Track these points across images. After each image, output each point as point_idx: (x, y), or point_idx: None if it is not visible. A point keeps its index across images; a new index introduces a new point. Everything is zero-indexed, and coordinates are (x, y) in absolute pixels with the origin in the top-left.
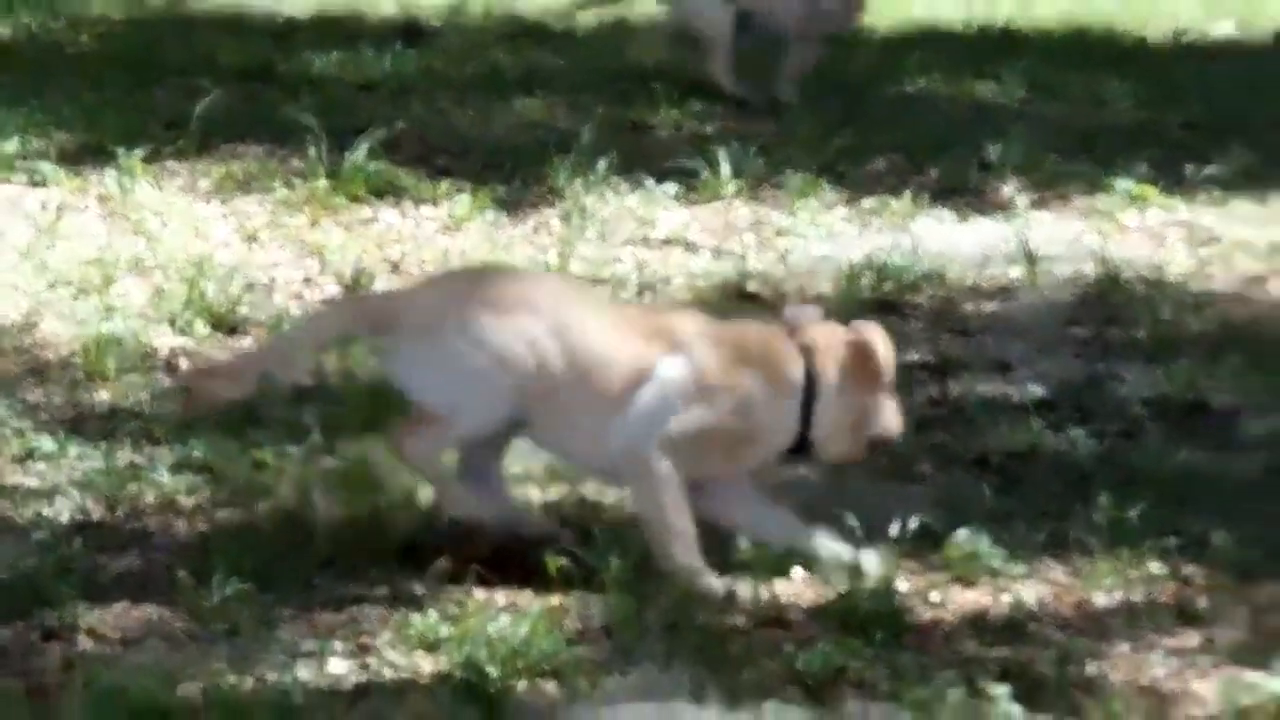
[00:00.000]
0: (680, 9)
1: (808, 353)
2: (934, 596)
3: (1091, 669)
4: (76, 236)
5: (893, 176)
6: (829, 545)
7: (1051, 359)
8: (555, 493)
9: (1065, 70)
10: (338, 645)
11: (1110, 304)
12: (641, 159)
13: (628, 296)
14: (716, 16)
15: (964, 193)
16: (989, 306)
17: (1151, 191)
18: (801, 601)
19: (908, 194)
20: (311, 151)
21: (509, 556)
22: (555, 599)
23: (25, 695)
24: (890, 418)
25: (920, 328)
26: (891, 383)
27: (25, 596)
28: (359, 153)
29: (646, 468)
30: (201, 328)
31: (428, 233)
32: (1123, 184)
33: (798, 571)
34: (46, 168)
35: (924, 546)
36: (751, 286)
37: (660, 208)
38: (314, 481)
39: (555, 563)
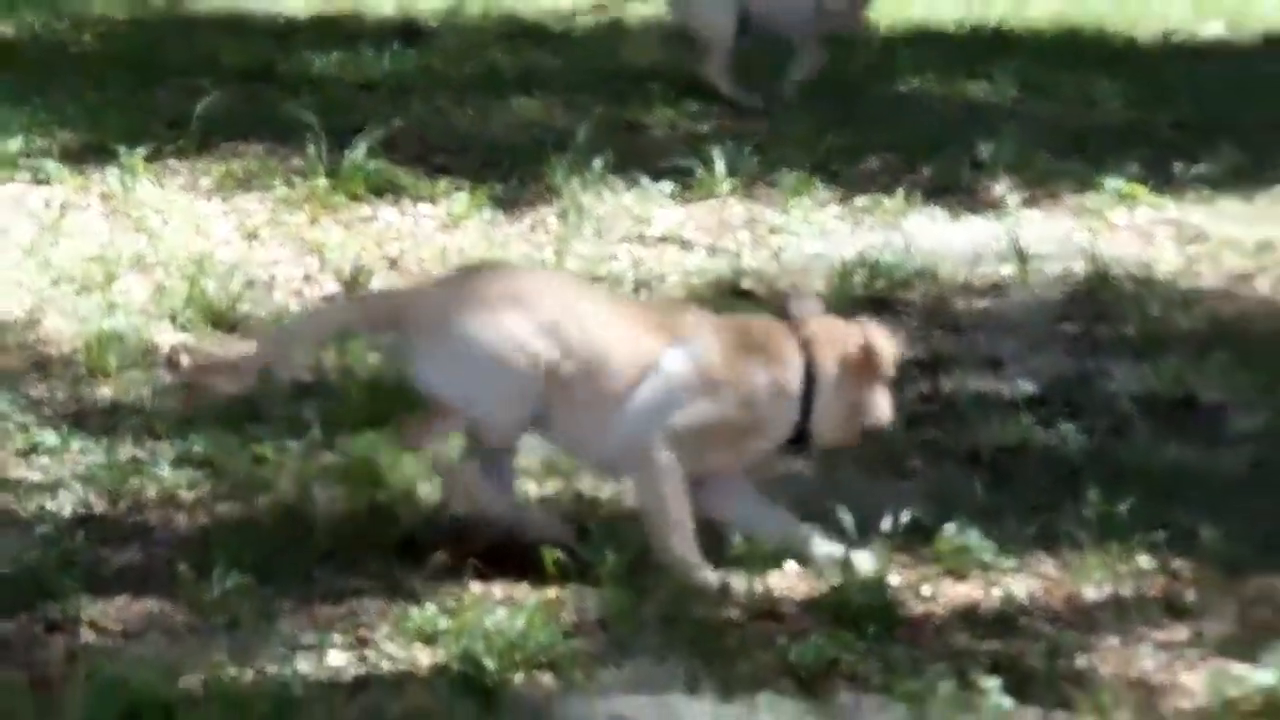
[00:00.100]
0: (683, 9)
1: (807, 346)
2: (925, 590)
3: (1081, 662)
4: (79, 234)
5: (885, 175)
6: (822, 544)
7: (1042, 355)
8: (551, 487)
9: (1057, 70)
10: (337, 638)
11: (1100, 301)
12: (637, 158)
13: (624, 293)
14: (719, 18)
15: (956, 191)
16: (980, 303)
17: (1141, 190)
18: (795, 595)
19: (900, 192)
20: (311, 150)
21: (506, 550)
22: (552, 592)
23: (29, 686)
24: (884, 408)
25: (912, 325)
26: (890, 378)
27: (28, 589)
28: (358, 151)
29: (650, 460)
30: (202, 324)
31: (426, 230)
32: (1113, 183)
33: (791, 565)
34: (50, 166)
35: (915, 540)
36: (746, 284)
37: (656, 206)
38: (313, 476)
39: (552, 556)
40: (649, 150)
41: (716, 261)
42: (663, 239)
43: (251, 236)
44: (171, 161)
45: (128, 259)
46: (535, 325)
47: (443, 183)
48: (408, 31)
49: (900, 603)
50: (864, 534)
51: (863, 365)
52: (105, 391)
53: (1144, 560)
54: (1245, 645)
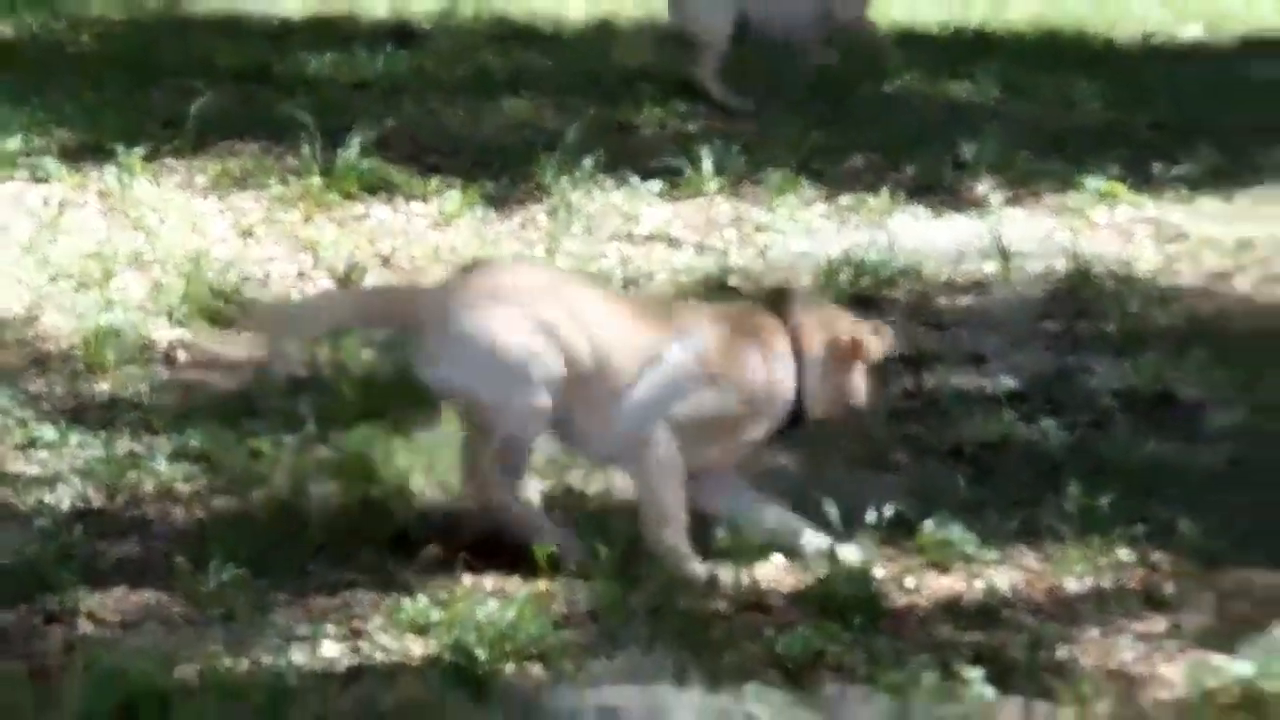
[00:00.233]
0: (681, 12)
1: (794, 332)
2: (909, 582)
3: (1062, 653)
4: (77, 232)
5: (870, 174)
6: (811, 537)
7: (1024, 352)
8: (544, 482)
9: (1037, 72)
10: (330, 629)
11: (1081, 299)
12: (626, 157)
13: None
14: (716, 20)
15: (939, 190)
16: (963, 301)
17: (1121, 189)
18: (781, 587)
19: (885, 191)
20: (306, 149)
21: (497, 544)
22: (542, 584)
23: (28, 676)
24: (863, 390)
25: (896, 321)
26: (871, 364)
27: (28, 581)
28: (352, 151)
29: (652, 450)
30: (198, 320)
31: (418, 228)
32: (1093, 182)
33: (778, 558)
34: (48, 164)
35: (899, 534)
36: (732, 281)
37: (644, 204)
38: (308, 471)
39: (543, 550)
40: (638, 150)
41: (704, 259)
42: (651, 237)
43: (247, 234)
44: (168, 160)
45: (125, 256)
46: (553, 321)
47: (435, 181)
48: (401, 33)
49: (884, 595)
50: (849, 527)
51: (846, 349)
52: (103, 387)
53: (1124, 553)
54: (1223, 637)
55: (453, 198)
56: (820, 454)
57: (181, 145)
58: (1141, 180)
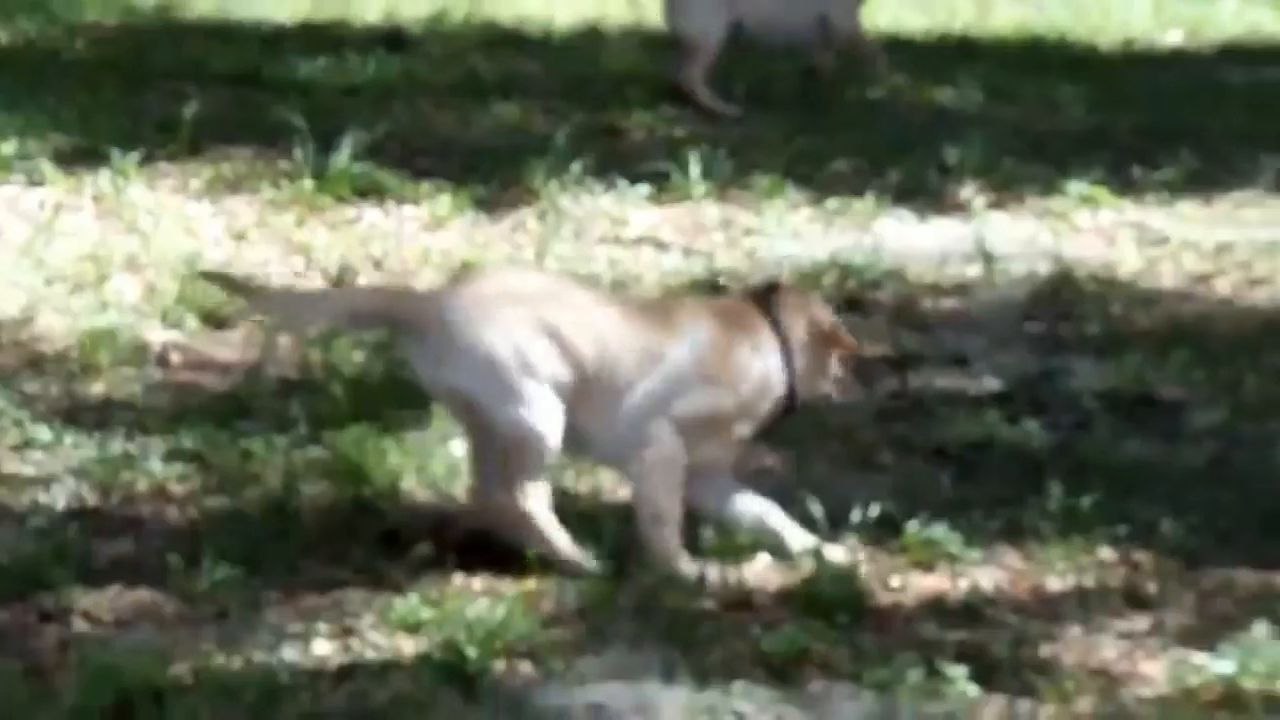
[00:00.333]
0: (676, 17)
1: (777, 317)
2: (894, 581)
3: (1045, 651)
4: (72, 234)
5: (856, 178)
6: (798, 536)
7: (1007, 353)
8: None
9: (1021, 77)
10: (322, 627)
11: (1063, 301)
12: (615, 161)
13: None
14: (710, 26)
15: (924, 194)
16: (947, 303)
17: (1103, 193)
18: (768, 586)
19: (870, 195)
20: (298, 153)
21: (487, 543)
22: (531, 583)
23: (23, 674)
24: (839, 371)
25: (881, 323)
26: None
27: (23, 580)
28: (344, 155)
29: (655, 448)
30: (192, 322)
31: (410, 231)
32: (1075, 186)
33: (764, 557)
34: (43, 168)
35: (884, 533)
36: (720, 284)
37: (633, 208)
38: (300, 471)
39: (532, 549)
40: (626, 154)
41: (691, 263)
42: (639, 240)
43: (240, 237)
44: (162, 164)
45: (119, 259)
46: (556, 325)
47: (426, 185)
48: (392, 38)
49: (869, 594)
50: (834, 526)
51: (827, 331)
52: (98, 388)
53: (1106, 552)
54: (1204, 635)
55: (443, 201)
56: (806, 454)
57: (175, 149)
58: (1123, 184)
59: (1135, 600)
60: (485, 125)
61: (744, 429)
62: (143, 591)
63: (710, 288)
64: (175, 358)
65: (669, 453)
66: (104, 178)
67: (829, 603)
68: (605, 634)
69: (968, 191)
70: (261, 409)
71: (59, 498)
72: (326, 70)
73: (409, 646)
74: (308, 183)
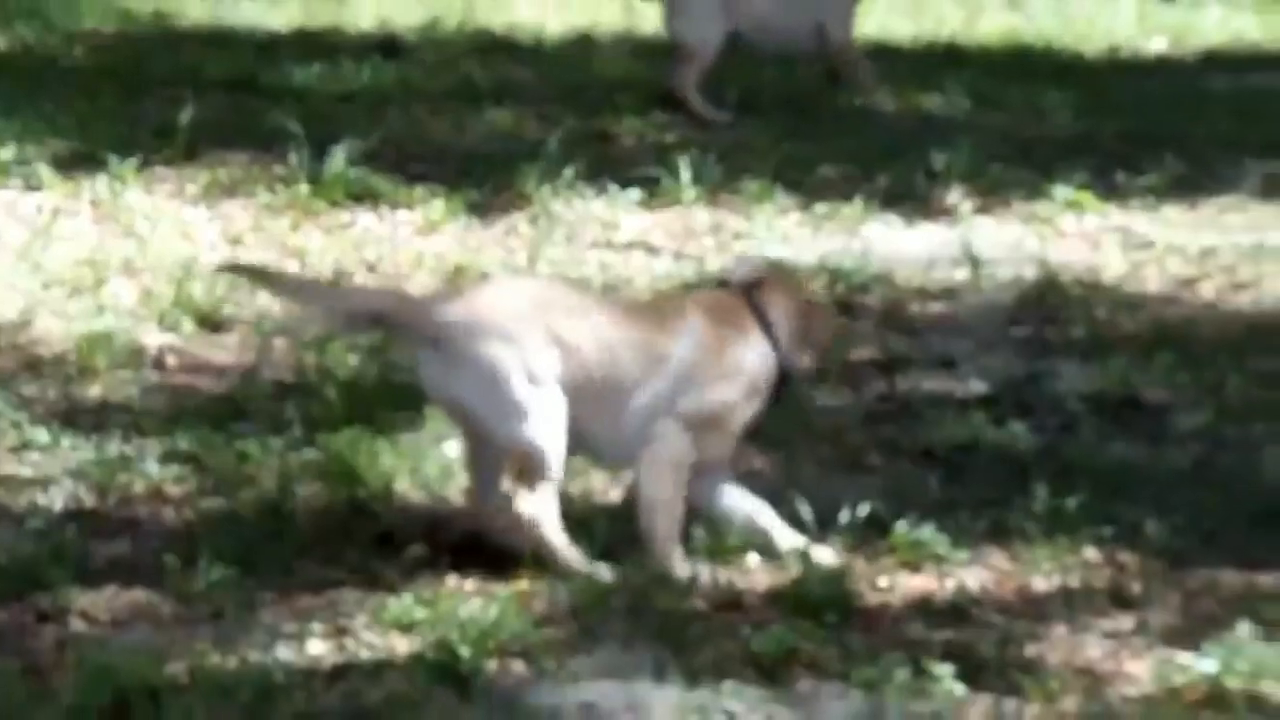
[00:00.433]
0: (675, 23)
1: (757, 301)
2: (882, 581)
3: (1030, 650)
4: (70, 239)
5: (844, 183)
6: (788, 536)
7: (993, 356)
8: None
9: (1007, 83)
10: (317, 627)
11: (1049, 305)
12: (606, 167)
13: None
14: (708, 33)
15: (911, 199)
16: (935, 307)
17: (1088, 198)
18: (757, 586)
19: (858, 200)
20: (293, 159)
21: (480, 544)
22: (524, 583)
23: (21, 674)
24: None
25: (869, 327)
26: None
27: (21, 580)
28: (338, 160)
29: (663, 446)
30: (188, 326)
31: (403, 236)
32: (1061, 191)
33: (754, 558)
34: (41, 173)
35: (872, 534)
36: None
37: (624, 213)
38: (295, 473)
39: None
40: (618, 159)
41: (682, 266)
42: (630, 245)
43: (236, 241)
44: (159, 169)
45: (116, 263)
46: (561, 334)
47: (419, 190)
48: (386, 45)
49: (858, 594)
50: (823, 527)
51: (811, 309)
52: (95, 390)
53: (1091, 553)
54: (1189, 635)
55: (437, 206)
56: (795, 456)
57: (172, 155)
58: (1108, 189)
59: (1120, 600)
60: (478, 131)
61: (742, 420)
62: (139, 592)
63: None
64: (171, 361)
65: (676, 450)
66: (101, 183)
67: (818, 603)
68: (597, 634)
69: (954, 196)
70: (257, 411)
71: (56, 499)
72: (321, 77)
73: (403, 646)
74: (303, 188)
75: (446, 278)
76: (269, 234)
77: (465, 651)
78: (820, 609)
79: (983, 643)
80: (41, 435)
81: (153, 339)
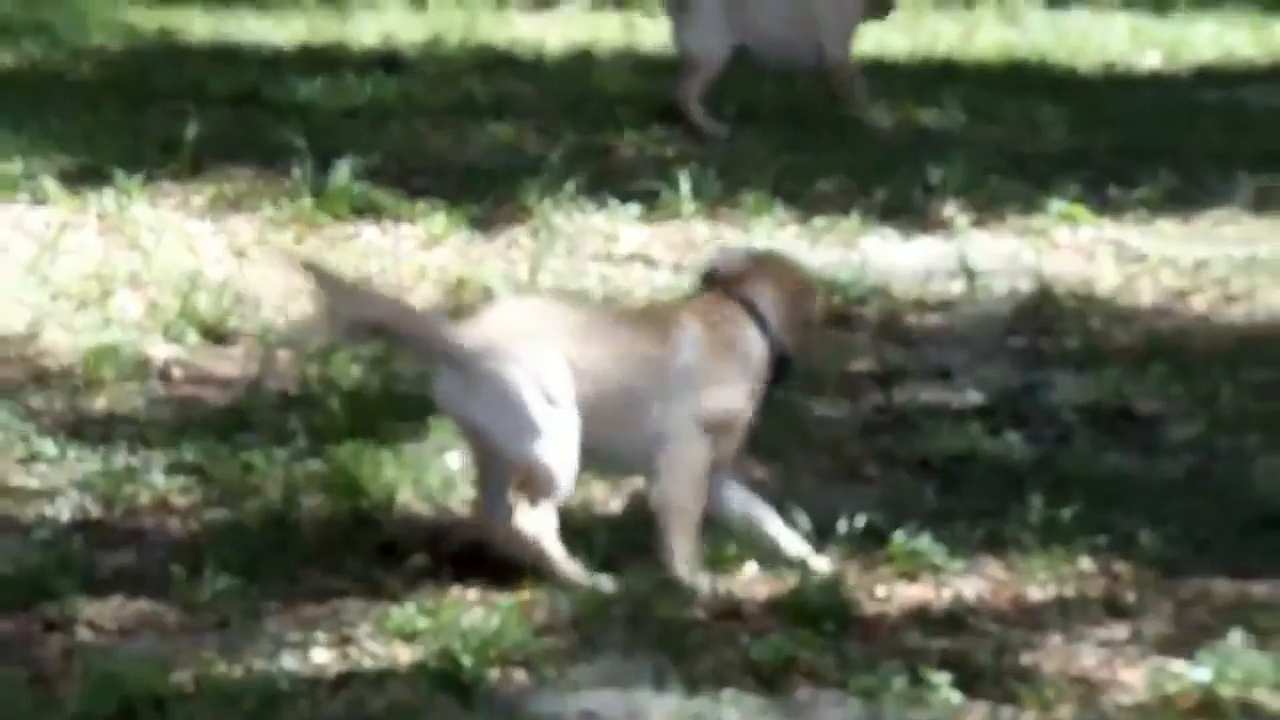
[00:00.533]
0: (683, 36)
1: (745, 293)
2: (879, 591)
3: (1026, 659)
4: (76, 252)
5: (841, 197)
6: (791, 540)
7: (989, 368)
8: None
9: (1002, 98)
10: (321, 636)
11: (1044, 316)
12: (607, 180)
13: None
14: (714, 46)
15: (908, 212)
16: (931, 319)
17: (1083, 211)
18: (756, 596)
19: (855, 213)
20: (297, 173)
21: (482, 554)
22: (525, 593)
23: (28, 683)
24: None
25: (867, 339)
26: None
27: (28, 590)
28: (342, 174)
29: (682, 450)
30: (193, 338)
31: (406, 249)
32: (1056, 204)
33: (752, 567)
34: (48, 188)
35: (870, 544)
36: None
37: (624, 225)
38: (299, 483)
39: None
40: (618, 173)
41: (681, 278)
42: (631, 257)
43: (241, 255)
44: (165, 183)
45: (123, 276)
46: (577, 356)
47: (422, 203)
48: (389, 61)
49: (856, 603)
50: (821, 537)
51: (799, 291)
52: (101, 402)
53: (1086, 563)
54: (1182, 643)
55: (439, 219)
56: (793, 467)
57: (177, 169)
58: (1103, 203)
59: (1114, 609)
60: (480, 145)
61: (748, 417)
62: (145, 601)
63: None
64: (177, 373)
65: (694, 451)
66: (108, 197)
67: (816, 612)
68: (597, 643)
69: (951, 210)
70: (261, 423)
71: (63, 510)
72: (325, 92)
73: (405, 655)
74: (307, 201)
75: (449, 290)
76: (273, 247)
77: (467, 660)
78: (818, 618)
79: (979, 651)
80: (48, 447)
81: (158, 351)
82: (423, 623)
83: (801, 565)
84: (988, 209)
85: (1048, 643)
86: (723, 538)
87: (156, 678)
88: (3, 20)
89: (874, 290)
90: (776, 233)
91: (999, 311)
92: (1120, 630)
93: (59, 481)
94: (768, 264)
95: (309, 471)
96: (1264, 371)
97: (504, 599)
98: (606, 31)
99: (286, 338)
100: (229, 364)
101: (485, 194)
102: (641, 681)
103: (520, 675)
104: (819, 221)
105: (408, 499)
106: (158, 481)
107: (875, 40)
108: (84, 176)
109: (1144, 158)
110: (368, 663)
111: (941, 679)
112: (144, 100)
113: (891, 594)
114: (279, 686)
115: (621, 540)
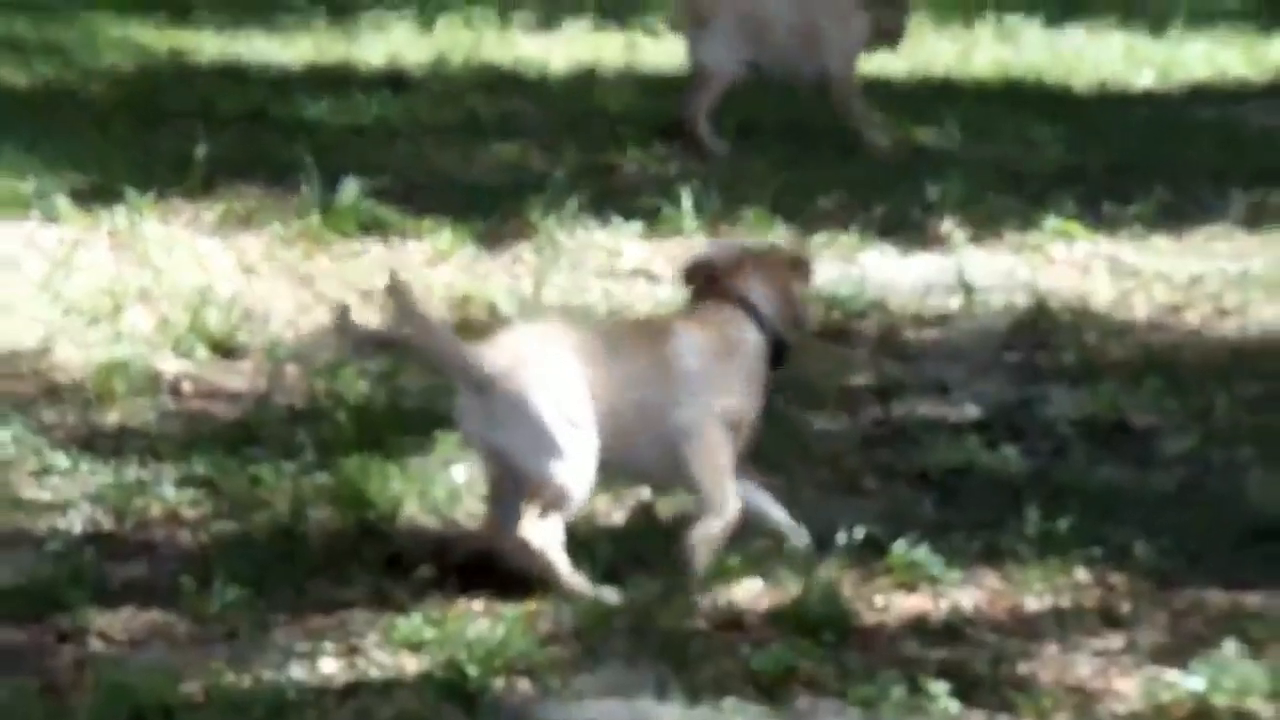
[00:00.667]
0: (697, 50)
1: (738, 289)
2: (878, 601)
3: (1023, 668)
4: (88, 269)
5: (841, 213)
6: (777, 512)
7: (986, 382)
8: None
9: (999, 117)
10: (329, 646)
11: (1040, 331)
12: (609, 197)
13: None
14: (725, 62)
15: (906, 228)
16: (929, 333)
17: (1078, 227)
18: (757, 606)
19: (855, 229)
20: (305, 190)
21: (487, 565)
22: (530, 604)
23: (40, 692)
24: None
25: (865, 353)
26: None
27: (41, 601)
28: (349, 191)
29: (703, 436)
30: (203, 353)
31: (412, 265)
32: (1051, 221)
33: (754, 580)
34: (61, 205)
35: (869, 555)
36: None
37: (626, 242)
38: (307, 496)
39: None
40: (620, 190)
41: (682, 294)
42: (633, 273)
43: (250, 271)
44: (175, 201)
45: (134, 292)
46: (595, 377)
47: (427, 220)
48: (395, 80)
49: (855, 613)
50: (821, 549)
51: (789, 274)
52: (113, 416)
53: (1081, 574)
54: (1176, 653)
55: (444, 236)
56: (794, 480)
57: (188, 187)
58: (1097, 219)
59: (1110, 619)
60: (485, 163)
61: (754, 412)
62: (156, 612)
63: None
64: (187, 387)
65: (717, 437)
66: (119, 214)
67: (816, 622)
68: (601, 652)
69: (948, 226)
70: (270, 436)
71: (75, 522)
72: (332, 111)
73: (412, 665)
74: (315, 218)
75: (455, 305)
76: (281, 263)
77: (473, 670)
78: (818, 628)
79: (976, 661)
80: (61, 460)
81: (169, 366)
82: (429, 633)
83: (781, 537)
84: (985, 225)
85: (1044, 652)
86: (725, 550)
87: (167, 688)
88: (16, 41)
89: (873, 305)
90: None
91: (996, 326)
92: (1115, 640)
93: (71, 494)
94: (762, 255)
95: (317, 484)
96: (1257, 385)
97: (509, 610)
98: (609, 51)
99: (294, 352)
100: (238, 379)
101: (490, 211)
102: (644, 691)
103: (525, 685)
104: (819, 237)
105: (414, 511)
106: (168, 494)
107: (875, 60)
108: (96, 194)
109: (1138, 175)
110: (375, 672)
111: (939, 688)
112: (155, 119)
113: (890, 604)
114: (287, 696)
115: (624, 552)
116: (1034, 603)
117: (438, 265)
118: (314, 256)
